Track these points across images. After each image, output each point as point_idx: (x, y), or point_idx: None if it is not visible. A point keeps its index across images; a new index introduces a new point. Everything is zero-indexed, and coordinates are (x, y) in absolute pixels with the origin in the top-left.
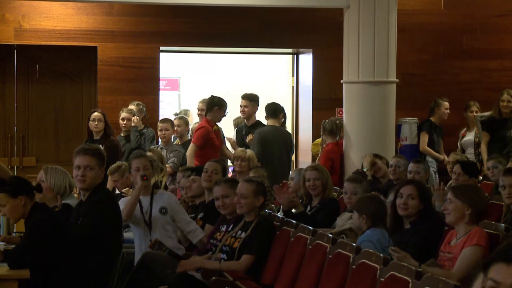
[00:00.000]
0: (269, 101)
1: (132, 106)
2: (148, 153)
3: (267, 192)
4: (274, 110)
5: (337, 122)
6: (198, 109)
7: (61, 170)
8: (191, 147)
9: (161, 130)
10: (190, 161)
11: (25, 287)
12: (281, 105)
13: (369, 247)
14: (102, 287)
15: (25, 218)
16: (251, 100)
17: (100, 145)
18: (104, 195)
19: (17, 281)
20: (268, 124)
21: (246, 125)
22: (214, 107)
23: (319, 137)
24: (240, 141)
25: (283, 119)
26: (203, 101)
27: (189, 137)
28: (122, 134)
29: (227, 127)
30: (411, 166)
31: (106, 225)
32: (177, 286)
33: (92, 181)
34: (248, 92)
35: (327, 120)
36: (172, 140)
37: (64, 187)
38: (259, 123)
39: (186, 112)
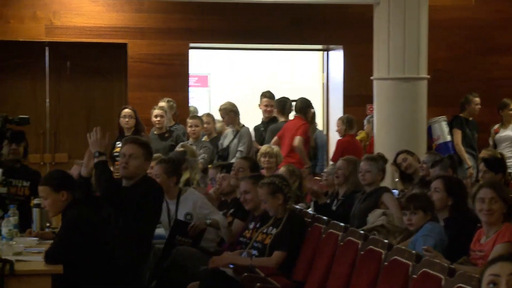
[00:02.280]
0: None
1: (162, 103)
2: (181, 149)
3: (283, 189)
4: (282, 107)
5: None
6: (208, 122)
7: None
8: (299, 139)
9: (191, 127)
10: (303, 153)
11: (58, 282)
12: (310, 101)
13: (428, 241)
14: (134, 282)
15: (62, 212)
16: (273, 98)
17: None
18: (150, 188)
19: (50, 276)
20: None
21: (263, 122)
22: (308, 108)
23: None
24: (258, 138)
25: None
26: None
27: (216, 134)
28: (155, 132)
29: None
30: None
31: (145, 218)
32: (209, 282)
33: (134, 170)
34: (279, 89)
35: (344, 115)
36: (200, 136)
37: None
38: (274, 118)
39: (195, 109)
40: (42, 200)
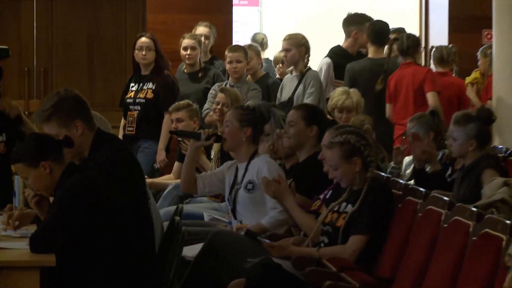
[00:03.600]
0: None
1: (197, 29)
2: (220, 95)
3: (362, 150)
4: (379, 33)
5: (451, 47)
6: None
7: (100, 117)
8: (435, 95)
9: (231, 62)
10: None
11: (50, 277)
12: (388, 25)
13: None
14: (153, 276)
15: (55, 186)
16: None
17: (151, 83)
18: (108, 150)
19: (38, 270)
20: (368, 55)
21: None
22: (419, 47)
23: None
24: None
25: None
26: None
27: (264, 72)
28: (184, 70)
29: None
30: None
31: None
32: (258, 280)
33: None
34: (352, 12)
35: (436, 46)
36: (244, 75)
37: None
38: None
39: (265, 39)
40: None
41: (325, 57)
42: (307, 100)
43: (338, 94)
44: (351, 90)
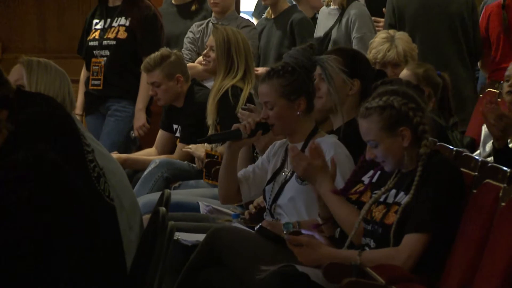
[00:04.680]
0: None
1: None
2: (210, 38)
3: (410, 116)
4: None
5: None
6: None
7: (55, 68)
8: None
9: None
10: None
11: None
12: None
13: None
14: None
15: None
16: None
17: (123, 18)
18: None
19: None
20: None
21: None
22: None
23: None
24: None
25: None
26: None
27: (289, 4)
28: (173, 1)
29: None
30: None
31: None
32: None
33: None
34: None
35: None
36: (232, 9)
37: (62, 99)
38: None
39: None
40: None
41: None
42: (355, 48)
43: (377, 43)
44: (397, 35)
